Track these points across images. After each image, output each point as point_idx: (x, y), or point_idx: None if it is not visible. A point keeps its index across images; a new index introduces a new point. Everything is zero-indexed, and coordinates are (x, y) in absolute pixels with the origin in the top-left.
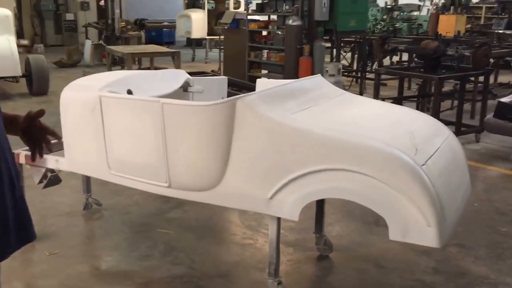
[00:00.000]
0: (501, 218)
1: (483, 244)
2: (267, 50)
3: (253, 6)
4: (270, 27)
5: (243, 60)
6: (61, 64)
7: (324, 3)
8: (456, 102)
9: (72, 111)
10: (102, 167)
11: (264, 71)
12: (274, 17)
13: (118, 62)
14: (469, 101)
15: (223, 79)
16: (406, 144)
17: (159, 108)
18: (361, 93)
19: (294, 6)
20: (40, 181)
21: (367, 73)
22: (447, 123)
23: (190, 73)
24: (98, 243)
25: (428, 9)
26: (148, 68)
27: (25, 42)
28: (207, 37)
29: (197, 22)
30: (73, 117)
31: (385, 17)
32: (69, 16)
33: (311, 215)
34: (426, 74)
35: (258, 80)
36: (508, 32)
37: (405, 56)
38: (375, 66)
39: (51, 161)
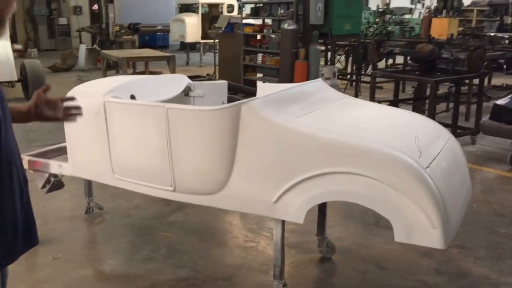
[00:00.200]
0: (499, 220)
1: (483, 245)
2: (262, 54)
3: (247, 10)
4: (265, 31)
5: (238, 63)
6: (55, 69)
7: (319, 7)
8: (451, 105)
9: None
10: (106, 172)
11: (259, 75)
12: (268, 21)
13: (113, 67)
14: (464, 103)
15: (223, 83)
16: (409, 146)
17: (164, 113)
18: (356, 96)
19: (289, 10)
20: (43, 186)
21: (362, 76)
22: (443, 125)
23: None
24: (100, 247)
25: (420, 12)
26: (143, 73)
27: (18, 46)
28: (201, 41)
29: (191, 26)
30: (76, 122)
31: (377, 20)
32: (62, 21)
33: (312, 218)
34: (422, 77)
35: (258, 85)
36: (500, 34)
37: (399, 59)
38: (369, 69)
39: (54, 166)
